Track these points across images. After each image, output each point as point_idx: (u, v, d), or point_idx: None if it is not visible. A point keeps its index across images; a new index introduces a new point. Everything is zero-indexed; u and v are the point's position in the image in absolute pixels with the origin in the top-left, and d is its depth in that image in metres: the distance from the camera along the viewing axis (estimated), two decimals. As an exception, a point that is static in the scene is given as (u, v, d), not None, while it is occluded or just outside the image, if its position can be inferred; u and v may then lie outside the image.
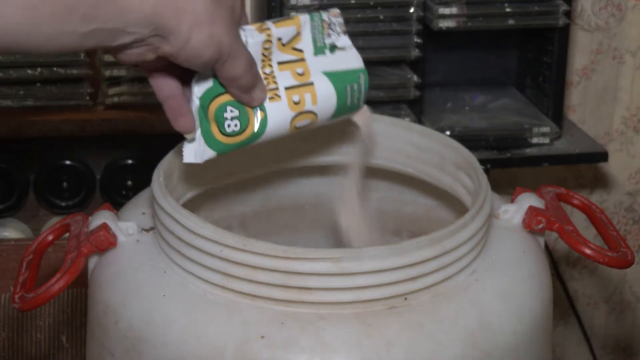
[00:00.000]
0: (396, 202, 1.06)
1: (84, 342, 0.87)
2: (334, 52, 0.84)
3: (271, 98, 0.80)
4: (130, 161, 1.38)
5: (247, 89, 0.78)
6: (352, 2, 1.20)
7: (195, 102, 0.79)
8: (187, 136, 0.79)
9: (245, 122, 0.79)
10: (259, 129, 0.80)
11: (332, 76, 0.83)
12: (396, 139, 0.96)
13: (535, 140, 1.28)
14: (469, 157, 0.90)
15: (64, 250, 0.83)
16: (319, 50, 0.83)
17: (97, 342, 0.81)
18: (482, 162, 0.93)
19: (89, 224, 0.84)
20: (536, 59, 1.33)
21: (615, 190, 1.58)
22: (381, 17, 1.21)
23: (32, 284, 0.82)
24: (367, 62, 1.23)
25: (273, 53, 0.80)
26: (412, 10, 1.21)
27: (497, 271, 0.81)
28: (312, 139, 0.99)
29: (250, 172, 0.98)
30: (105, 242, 0.82)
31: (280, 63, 0.81)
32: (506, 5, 1.24)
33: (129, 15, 0.68)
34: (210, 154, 0.80)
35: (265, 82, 0.80)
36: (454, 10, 1.22)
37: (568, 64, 1.34)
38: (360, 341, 0.73)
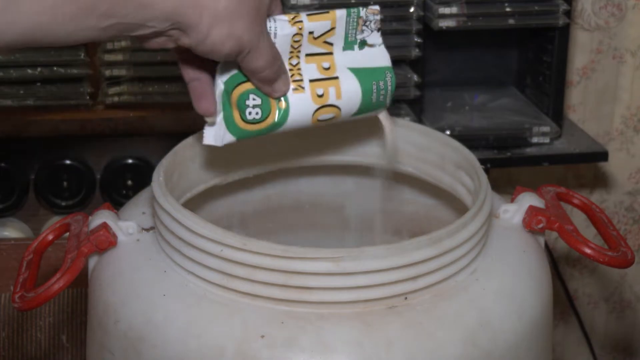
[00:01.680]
0: (396, 202, 1.06)
1: (84, 341, 0.87)
2: (362, 48, 0.84)
3: (295, 89, 0.80)
4: (130, 161, 1.38)
5: (269, 82, 0.78)
6: (352, 1, 1.20)
7: (220, 87, 0.79)
8: (208, 119, 0.80)
9: (266, 111, 0.80)
10: (279, 118, 0.80)
11: (358, 72, 0.83)
12: (396, 138, 0.96)
13: (535, 139, 1.28)
14: (469, 157, 0.90)
15: (64, 250, 0.83)
16: (348, 45, 0.83)
17: (97, 341, 0.81)
18: (482, 161, 0.93)
19: (89, 224, 0.84)
20: (536, 58, 1.33)
21: (616, 190, 1.58)
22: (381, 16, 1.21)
23: (32, 283, 0.82)
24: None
25: (302, 45, 0.80)
26: (412, 9, 1.21)
27: (497, 271, 0.81)
28: (311, 139, 0.99)
29: (250, 172, 0.98)
30: (106, 241, 0.82)
31: (307, 55, 0.81)
32: (506, 4, 1.24)
33: (149, 11, 0.69)
34: (229, 138, 0.80)
35: (290, 73, 0.80)
36: (454, 9, 1.22)
37: (568, 63, 1.34)
38: (360, 341, 0.73)
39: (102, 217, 0.84)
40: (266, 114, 0.80)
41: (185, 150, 0.91)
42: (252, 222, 1.07)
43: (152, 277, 0.79)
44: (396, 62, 1.25)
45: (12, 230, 1.37)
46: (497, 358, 0.77)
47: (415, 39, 1.22)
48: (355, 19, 0.82)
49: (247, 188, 1.04)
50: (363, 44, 0.84)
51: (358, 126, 0.99)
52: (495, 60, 1.40)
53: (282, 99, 0.80)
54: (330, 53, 0.82)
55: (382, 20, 0.84)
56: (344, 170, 1.05)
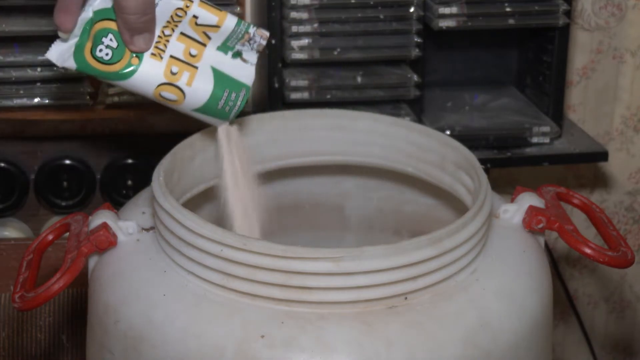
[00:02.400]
0: (396, 202, 1.06)
1: (84, 341, 0.87)
2: (235, 58, 0.84)
3: (153, 55, 0.81)
4: (130, 161, 1.38)
5: (132, 30, 0.78)
6: (352, 1, 1.20)
7: (88, 12, 0.80)
8: (61, 34, 0.81)
9: (117, 57, 0.81)
10: (125, 71, 0.81)
11: (218, 75, 0.84)
12: (396, 138, 0.96)
13: (535, 139, 1.28)
14: (469, 157, 0.90)
15: (64, 250, 0.83)
16: (223, 47, 0.83)
17: (97, 341, 0.81)
18: (482, 161, 0.93)
19: (89, 224, 0.84)
20: (536, 58, 1.33)
21: (616, 190, 1.58)
22: (381, 16, 1.21)
23: (32, 283, 0.82)
24: (367, 62, 1.23)
25: (182, 23, 0.81)
26: (412, 9, 1.21)
27: (497, 271, 0.81)
28: (312, 138, 0.99)
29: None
30: (106, 241, 0.82)
31: (182, 34, 0.82)
32: (506, 4, 1.24)
33: None
34: (71, 64, 0.81)
35: (157, 39, 0.81)
36: (454, 9, 1.22)
37: (568, 63, 1.34)
38: (360, 341, 0.73)
39: (102, 217, 0.84)
40: (115, 59, 0.81)
41: (185, 150, 0.91)
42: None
43: (152, 277, 0.79)
44: (396, 62, 1.25)
45: (12, 230, 1.37)
46: (497, 358, 0.77)
47: (415, 39, 1.22)
48: (242, 33, 0.83)
49: (247, 188, 1.04)
50: (238, 54, 0.84)
51: (358, 126, 0.99)
52: (495, 60, 1.40)
53: (137, 56, 0.81)
54: (204, 44, 0.83)
55: (265, 47, 0.85)
56: (344, 170, 1.05)
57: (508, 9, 1.24)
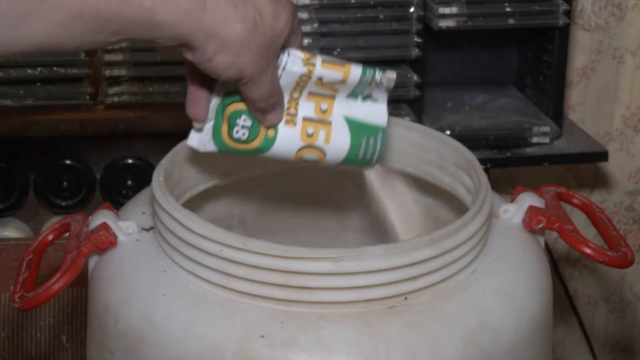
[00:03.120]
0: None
1: (84, 341, 0.87)
2: (365, 101, 0.83)
3: (287, 122, 0.81)
4: (130, 161, 1.38)
5: (262, 111, 0.79)
6: (352, 1, 1.20)
7: (218, 97, 0.80)
8: (195, 124, 0.81)
9: (254, 134, 0.81)
10: (263, 145, 0.81)
11: (352, 124, 0.83)
12: (396, 138, 0.96)
13: (535, 139, 1.28)
14: (469, 157, 0.90)
15: (64, 250, 0.83)
16: (352, 94, 0.83)
17: (97, 341, 0.81)
18: (482, 161, 0.93)
19: (89, 224, 0.84)
20: (536, 58, 1.33)
21: (616, 190, 1.58)
22: (381, 16, 1.21)
23: (32, 283, 0.82)
24: (367, 62, 1.23)
25: (308, 84, 0.80)
26: (412, 9, 1.21)
27: (497, 271, 0.81)
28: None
29: (250, 172, 0.98)
30: (106, 241, 0.82)
31: (310, 93, 0.81)
32: (506, 4, 1.24)
33: (159, 32, 0.70)
34: (212, 148, 0.82)
35: (287, 104, 0.80)
36: (454, 9, 1.22)
37: (568, 63, 1.34)
38: (360, 341, 0.73)
39: (102, 217, 0.84)
40: (253, 137, 0.81)
41: (185, 150, 0.91)
42: (252, 223, 1.07)
43: (152, 277, 0.79)
44: (396, 62, 1.25)
45: (12, 230, 1.37)
46: (497, 358, 0.77)
47: (415, 39, 1.22)
48: (369, 80, 0.81)
49: (247, 188, 1.04)
50: (368, 96, 0.83)
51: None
52: (495, 60, 1.40)
53: (273, 127, 0.81)
54: (332, 97, 0.82)
55: (391, 89, 0.83)
56: (344, 170, 1.05)
57: (508, 9, 1.24)
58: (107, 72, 1.26)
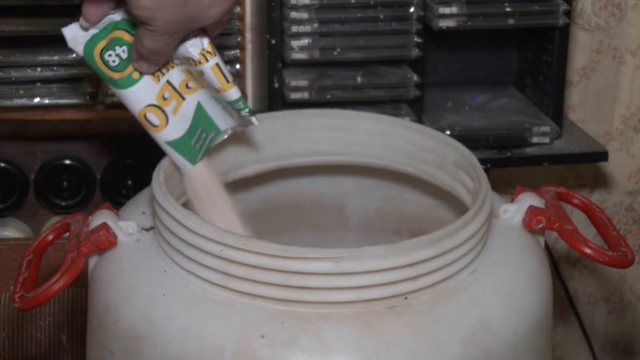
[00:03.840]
0: (396, 202, 1.06)
1: (84, 341, 0.87)
2: (224, 109, 0.85)
3: (153, 75, 0.83)
4: (130, 161, 1.38)
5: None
6: (352, 1, 1.20)
7: (116, 17, 0.82)
8: (82, 22, 0.82)
9: (121, 67, 0.82)
10: (122, 82, 0.83)
11: (199, 109, 0.85)
12: (396, 138, 0.96)
13: (535, 139, 1.28)
14: (469, 157, 0.90)
15: (64, 250, 0.83)
16: (217, 98, 0.84)
17: (97, 341, 0.81)
18: (482, 161, 0.93)
19: (89, 224, 0.84)
20: (536, 58, 1.33)
21: (616, 190, 1.58)
22: (381, 16, 1.21)
23: (32, 283, 0.82)
24: (367, 62, 1.23)
25: (192, 68, 0.82)
26: (412, 9, 1.21)
27: (497, 271, 0.81)
28: (312, 138, 0.99)
29: (250, 172, 0.98)
30: (106, 241, 0.82)
31: (187, 70, 0.83)
32: (506, 4, 1.24)
33: None
34: (79, 50, 0.83)
35: (164, 66, 0.83)
36: (454, 9, 1.22)
37: (568, 63, 1.34)
38: (360, 341, 0.73)
39: (102, 217, 0.84)
40: (119, 69, 0.82)
41: (185, 150, 0.91)
42: (252, 223, 1.07)
43: (152, 277, 0.79)
44: (396, 62, 1.25)
45: (12, 230, 1.37)
46: (497, 358, 0.77)
47: (415, 39, 1.22)
48: (236, 109, 0.84)
49: (247, 188, 1.04)
50: (226, 109, 0.85)
51: (358, 126, 0.99)
52: (495, 60, 1.40)
53: (139, 72, 0.83)
54: (201, 85, 0.85)
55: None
56: (344, 170, 1.05)
57: (508, 9, 1.24)
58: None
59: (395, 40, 1.22)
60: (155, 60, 0.81)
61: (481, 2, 1.23)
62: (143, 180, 0.94)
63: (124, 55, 0.82)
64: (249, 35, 1.34)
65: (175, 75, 0.84)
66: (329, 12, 1.20)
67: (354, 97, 1.22)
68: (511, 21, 1.24)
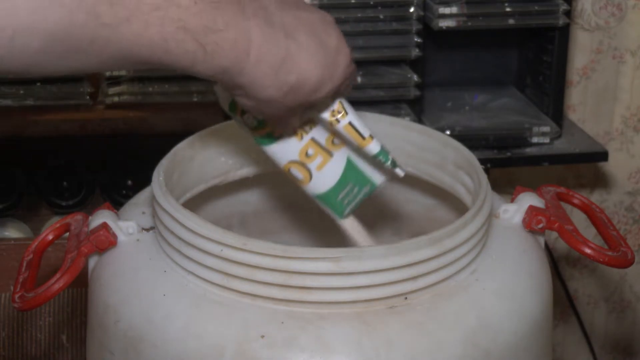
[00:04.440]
0: (396, 202, 1.06)
1: (84, 341, 0.87)
2: (373, 158, 0.84)
3: (295, 134, 0.82)
4: (130, 161, 1.38)
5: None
6: (352, 1, 1.20)
7: None
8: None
9: (259, 126, 0.82)
10: (261, 139, 0.82)
11: (350, 165, 0.84)
12: (396, 138, 0.96)
13: (535, 139, 1.28)
14: (469, 157, 0.90)
15: (64, 250, 0.83)
16: (363, 155, 0.84)
17: (97, 341, 0.81)
18: (482, 161, 0.93)
19: (89, 224, 0.84)
20: (536, 58, 1.33)
21: (616, 190, 1.58)
22: (381, 16, 1.21)
23: (32, 283, 0.82)
24: (367, 62, 1.23)
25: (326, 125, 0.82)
26: (412, 9, 1.21)
27: (497, 271, 0.81)
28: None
29: (250, 172, 0.98)
30: (106, 241, 0.82)
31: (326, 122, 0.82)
32: (506, 4, 1.24)
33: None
34: (225, 108, 0.82)
35: (306, 124, 0.82)
36: (454, 9, 1.22)
37: (568, 63, 1.34)
38: (360, 341, 0.73)
39: (102, 217, 0.84)
40: (258, 127, 0.82)
41: (185, 150, 0.91)
42: (252, 222, 1.07)
43: (152, 277, 0.79)
44: (396, 62, 1.25)
45: (12, 230, 1.37)
46: (497, 358, 0.77)
47: (415, 39, 1.22)
48: (380, 163, 0.83)
49: (247, 188, 1.04)
50: (375, 156, 0.83)
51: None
52: (495, 60, 1.40)
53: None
54: (343, 143, 0.84)
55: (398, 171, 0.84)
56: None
57: (508, 9, 1.24)
58: (107, 73, 1.26)
59: (395, 40, 1.22)
60: (284, 126, 0.80)
61: (481, 2, 1.23)
62: (143, 180, 0.94)
63: (260, 117, 0.81)
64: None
65: (320, 132, 0.83)
66: (328, 12, 1.20)
67: (354, 97, 1.22)
68: (511, 21, 1.24)
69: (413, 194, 1.05)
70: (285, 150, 0.83)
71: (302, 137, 0.83)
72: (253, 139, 0.83)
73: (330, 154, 0.84)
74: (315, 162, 0.83)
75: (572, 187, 1.56)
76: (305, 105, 0.75)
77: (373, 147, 0.82)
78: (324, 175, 0.84)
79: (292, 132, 0.82)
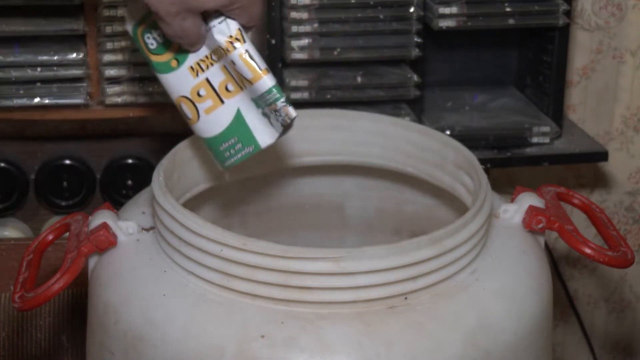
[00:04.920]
0: (396, 202, 1.06)
1: (84, 341, 0.87)
2: (263, 117, 0.83)
3: (192, 68, 0.83)
4: (130, 161, 1.38)
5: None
6: (352, 1, 1.20)
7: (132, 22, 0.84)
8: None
9: (158, 51, 0.83)
10: (158, 65, 0.84)
11: (239, 118, 0.83)
12: (396, 138, 0.96)
13: (535, 139, 1.28)
14: (469, 157, 0.90)
15: (64, 250, 0.83)
16: (256, 102, 0.82)
17: (97, 341, 0.81)
18: (482, 161, 0.93)
19: (89, 224, 0.84)
20: (536, 58, 1.33)
21: (616, 190, 1.58)
22: (381, 16, 1.21)
23: (32, 283, 0.82)
24: (367, 62, 1.23)
25: (224, 59, 0.81)
26: (412, 9, 1.21)
27: (497, 271, 0.81)
28: (312, 138, 0.99)
29: (250, 172, 0.98)
30: (106, 241, 0.82)
31: (225, 67, 0.82)
32: (506, 4, 1.24)
33: None
34: (129, 28, 0.85)
35: (203, 57, 0.82)
36: (454, 9, 1.22)
37: (568, 63, 1.34)
38: (360, 341, 0.73)
39: (102, 217, 0.84)
40: (156, 52, 0.83)
41: (185, 150, 0.91)
42: (252, 222, 1.07)
43: (152, 277, 0.79)
44: (396, 61, 1.25)
45: (12, 230, 1.37)
46: (497, 358, 0.77)
47: (415, 39, 1.22)
48: (270, 101, 0.81)
49: (247, 189, 1.04)
50: (266, 115, 0.83)
51: (358, 126, 0.99)
52: (495, 60, 1.40)
53: (177, 59, 0.83)
54: (241, 88, 0.83)
55: (288, 125, 0.82)
56: (344, 170, 1.05)
57: (508, 9, 1.24)
58: (107, 72, 1.26)
59: (395, 40, 1.22)
60: (182, 43, 0.81)
61: (481, 2, 1.23)
62: (143, 180, 0.94)
63: (161, 40, 0.83)
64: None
65: (215, 74, 0.83)
66: (329, 12, 1.20)
67: (354, 97, 1.22)
68: (511, 21, 1.24)
69: (413, 194, 1.05)
70: (179, 83, 0.83)
71: (197, 75, 0.83)
72: (149, 65, 0.84)
73: (221, 100, 0.83)
74: (204, 104, 0.83)
75: (572, 187, 1.56)
76: (192, 9, 0.77)
77: (268, 80, 0.80)
78: (210, 121, 0.84)
79: (191, 48, 0.82)
